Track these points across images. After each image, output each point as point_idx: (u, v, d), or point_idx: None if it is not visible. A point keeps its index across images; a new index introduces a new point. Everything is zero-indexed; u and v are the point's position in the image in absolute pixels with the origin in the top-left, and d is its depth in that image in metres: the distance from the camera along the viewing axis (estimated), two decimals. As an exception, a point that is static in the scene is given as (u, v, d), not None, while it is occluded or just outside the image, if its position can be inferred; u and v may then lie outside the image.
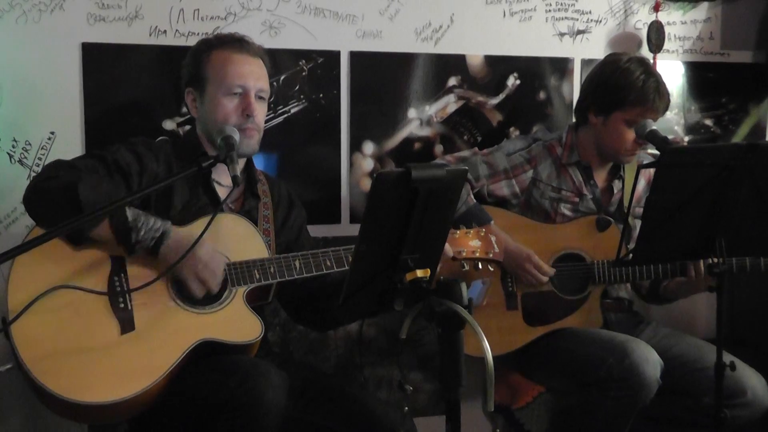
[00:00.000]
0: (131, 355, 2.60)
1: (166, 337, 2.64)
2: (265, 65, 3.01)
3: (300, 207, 3.21)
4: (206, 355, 2.66)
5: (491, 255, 3.00)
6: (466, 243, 2.96)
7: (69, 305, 2.58)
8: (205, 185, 2.90)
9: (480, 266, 3.01)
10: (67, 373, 2.52)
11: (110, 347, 2.59)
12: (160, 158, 2.90)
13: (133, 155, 2.85)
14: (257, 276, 2.77)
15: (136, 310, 2.64)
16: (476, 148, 3.67)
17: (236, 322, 2.72)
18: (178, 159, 2.94)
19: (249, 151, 2.93)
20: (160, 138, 3.42)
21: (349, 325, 3.58)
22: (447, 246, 2.83)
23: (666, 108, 3.42)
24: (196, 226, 2.72)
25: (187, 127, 3.50)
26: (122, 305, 2.63)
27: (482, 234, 3.00)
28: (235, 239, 2.80)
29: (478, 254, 2.97)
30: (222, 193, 2.92)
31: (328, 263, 2.82)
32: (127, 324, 2.62)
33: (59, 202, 2.59)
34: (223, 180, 2.93)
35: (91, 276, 2.63)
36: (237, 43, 2.97)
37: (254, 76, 2.93)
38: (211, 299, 2.73)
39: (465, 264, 2.97)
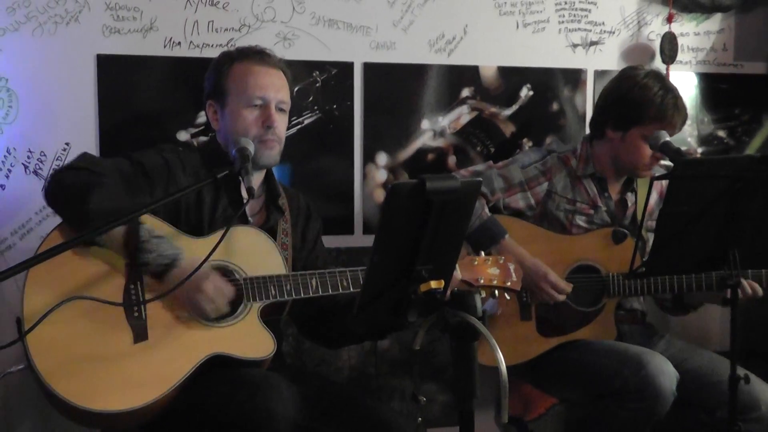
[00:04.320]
0: (143, 365, 2.60)
1: (178, 348, 2.64)
2: (286, 77, 3.01)
3: (317, 218, 3.20)
4: (219, 366, 2.66)
5: (509, 284, 2.99)
6: (485, 271, 2.96)
7: (84, 313, 2.57)
8: (232, 197, 2.91)
9: (497, 294, 3.02)
10: (78, 380, 2.53)
11: (123, 356, 2.59)
12: (188, 169, 2.90)
13: (163, 161, 2.85)
14: (273, 292, 2.76)
15: (150, 320, 2.64)
16: (491, 162, 3.66)
17: (249, 338, 2.72)
18: (207, 169, 2.92)
19: (270, 162, 2.93)
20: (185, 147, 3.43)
21: (358, 344, 3.60)
22: (457, 270, 2.84)
23: (683, 122, 3.43)
24: (214, 239, 2.70)
25: (202, 138, 3.51)
26: (136, 314, 2.64)
27: (501, 262, 3.00)
28: (253, 253, 2.79)
29: (496, 282, 2.97)
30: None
31: (345, 283, 2.82)
32: (140, 333, 2.62)
33: (71, 200, 2.60)
34: (244, 193, 2.92)
35: (107, 284, 2.62)
36: (258, 55, 2.97)
37: (275, 87, 2.94)
38: (225, 313, 2.73)
39: (482, 291, 2.97)
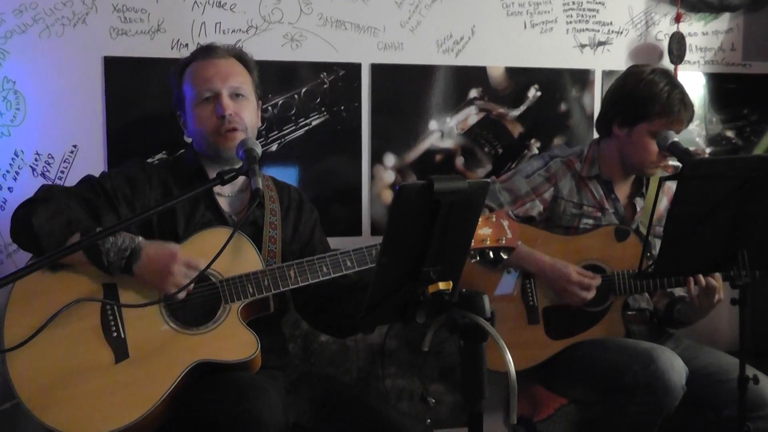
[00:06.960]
0: (127, 384, 2.60)
1: (160, 362, 2.63)
2: (242, 63, 2.98)
3: (311, 208, 3.16)
4: (207, 373, 2.65)
5: (503, 242, 2.86)
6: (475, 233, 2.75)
7: (63, 338, 2.59)
8: (207, 200, 2.89)
9: (492, 255, 2.87)
10: (64, 406, 2.55)
11: (106, 377, 2.60)
12: (154, 181, 2.90)
13: (124, 180, 2.86)
14: (251, 290, 2.73)
15: (130, 338, 2.64)
16: (494, 177, 3.67)
17: (231, 340, 2.69)
18: (176, 178, 2.93)
19: (232, 154, 2.80)
20: (160, 157, 3.46)
21: (369, 333, 3.58)
22: None
23: (691, 119, 3.43)
24: (193, 241, 2.74)
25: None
26: (115, 333, 2.64)
27: (493, 220, 2.87)
28: (227, 253, 2.61)
29: (488, 243, 2.84)
30: (223, 204, 2.91)
31: (325, 269, 2.77)
32: (120, 352, 2.62)
33: (20, 228, 2.66)
34: (223, 191, 2.92)
35: (84, 306, 2.63)
36: (203, 51, 2.97)
37: (221, 75, 2.90)
38: (205, 318, 2.71)
39: (476, 255, 2.85)
